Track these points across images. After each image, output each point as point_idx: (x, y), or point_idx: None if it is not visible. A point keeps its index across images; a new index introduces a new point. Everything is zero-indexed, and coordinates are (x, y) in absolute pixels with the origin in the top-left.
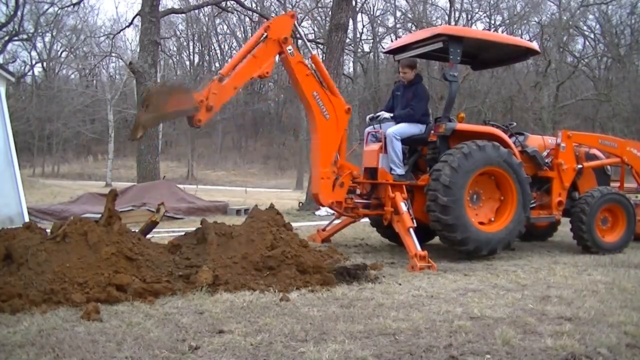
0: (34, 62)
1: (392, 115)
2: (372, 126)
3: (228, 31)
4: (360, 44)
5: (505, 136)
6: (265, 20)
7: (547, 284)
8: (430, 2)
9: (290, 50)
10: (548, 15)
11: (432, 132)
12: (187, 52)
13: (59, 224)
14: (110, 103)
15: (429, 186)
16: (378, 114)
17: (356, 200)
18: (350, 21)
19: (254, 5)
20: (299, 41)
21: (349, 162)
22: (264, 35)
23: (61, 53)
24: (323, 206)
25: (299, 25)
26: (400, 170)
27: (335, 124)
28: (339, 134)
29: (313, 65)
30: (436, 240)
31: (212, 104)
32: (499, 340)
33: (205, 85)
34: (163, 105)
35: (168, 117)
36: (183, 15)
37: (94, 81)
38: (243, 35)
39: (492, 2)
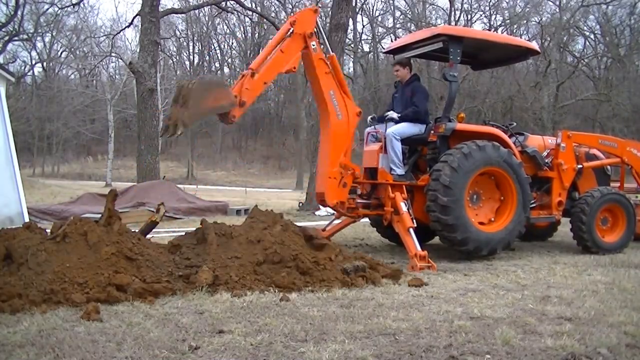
0: (34, 62)
1: (399, 115)
2: (372, 126)
3: (228, 31)
4: (360, 44)
5: (505, 136)
6: (264, 19)
7: (547, 284)
8: (430, 2)
9: (314, 45)
10: (548, 15)
11: (432, 132)
12: (187, 52)
13: (59, 224)
14: (110, 103)
15: (429, 186)
16: (386, 113)
17: (357, 201)
18: (350, 21)
19: (254, 5)
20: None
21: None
22: (290, 30)
23: (61, 53)
24: (326, 206)
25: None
26: (400, 171)
27: (347, 125)
28: (349, 136)
29: (330, 65)
30: (436, 240)
31: (245, 99)
32: (499, 340)
33: (237, 80)
34: (203, 102)
35: (208, 113)
36: (183, 15)
37: (94, 81)
38: (243, 35)
39: (492, 2)
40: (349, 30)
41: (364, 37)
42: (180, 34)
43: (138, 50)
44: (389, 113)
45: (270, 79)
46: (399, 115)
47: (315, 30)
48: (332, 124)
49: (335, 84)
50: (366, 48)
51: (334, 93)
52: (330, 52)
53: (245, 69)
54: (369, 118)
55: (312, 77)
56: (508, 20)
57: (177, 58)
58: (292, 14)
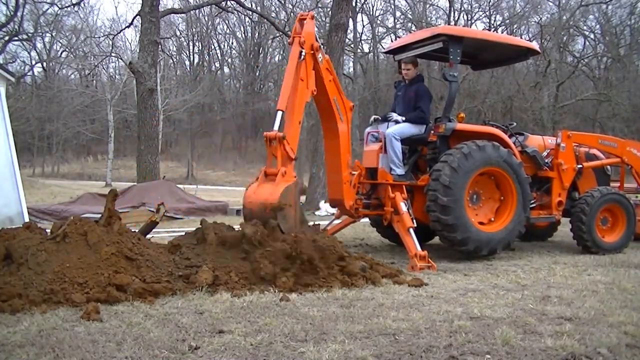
0: (34, 62)
1: (403, 118)
2: (372, 126)
3: (228, 31)
4: (360, 44)
5: (505, 136)
6: (265, 19)
7: (547, 284)
8: (430, 2)
9: (320, 58)
10: (548, 15)
11: (432, 132)
12: (187, 52)
13: (59, 224)
14: (110, 103)
15: (429, 186)
16: (389, 115)
17: (364, 201)
18: (350, 21)
19: (254, 5)
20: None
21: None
22: (302, 53)
23: (61, 53)
24: (339, 208)
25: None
26: (400, 171)
27: (347, 124)
28: (349, 134)
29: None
30: (436, 240)
31: (294, 151)
32: (499, 340)
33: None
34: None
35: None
36: (183, 15)
37: (94, 81)
38: (243, 35)
39: (491, 2)
40: (349, 30)
41: (364, 37)
42: (180, 34)
43: (138, 50)
44: (392, 115)
45: (301, 116)
46: (403, 119)
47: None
48: (339, 130)
49: (337, 89)
50: (366, 48)
51: (337, 99)
52: (325, 54)
53: (245, 69)
54: (372, 118)
55: (318, 87)
56: (508, 20)
57: (177, 58)
58: (292, 13)
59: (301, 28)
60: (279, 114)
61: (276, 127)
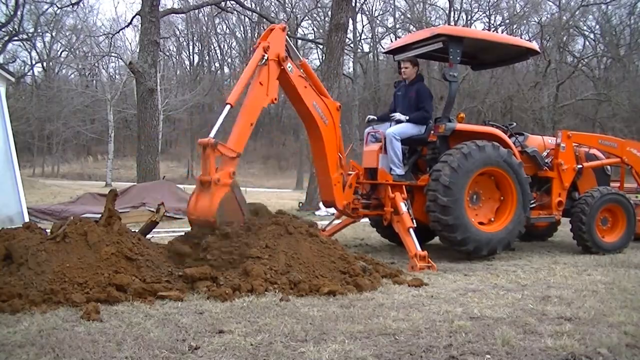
0: (34, 62)
1: (407, 118)
2: (372, 126)
3: (228, 31)
4: (360, 44)
5: (505, 136)
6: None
7: (547, 284)
8: (430, 2)
9: (290, 67)
10: (548, 15)
11: (432, 132)
12: (187, 52)
13: (59, 224)
14: (110, 103)
15: (429, 186)
16: (393, 114)
17: (361, 201)
18: (350, 21)
19: (254, 5)
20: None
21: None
22: (265, 57)
23: (61, 53)
24: (332, 207)
25: (294, 31)
26: (400, 171)
27: (333, 126)
28: (338, 134)
29: (305, 73)
30: (436, 240)
31: (237, 151)
32: (499, 340)
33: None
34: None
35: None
36: (183, 15)
37: (94, 81)
38: (243, 35)
39: (491, 2)
40: (349, 30)
41: (364, 37)
42: (180, 34)
43: (138, 50)
44: (395, 114)
45: (255, 118)
46: (407, 118)
47: (286, 46)
48: (322, 133)
49: (316, 93)
50: (366, 48)
51: (317, 103)
52: (300, 58)
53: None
54: (369, 118)
55: (294, 96)
56: (507, 20)
57: (177, 58)
58: (292, 13)
59: (268, 36)
60: (227, 107)
61: (220, 121)
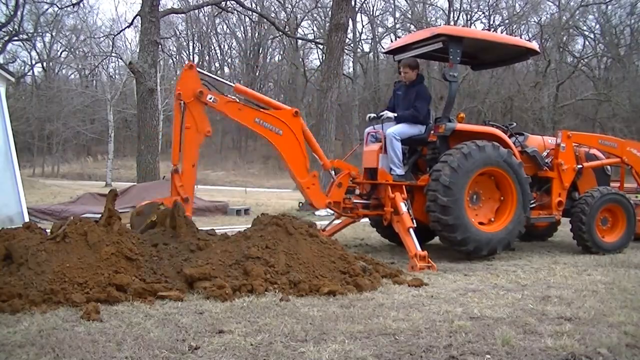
0: (34, 62)
1: (395, 115)
2: (372, 126)
3: (228, 31)
4: (360, 44)
5: (505, 136)
6: (265, 19)
7: (547, 284)
8: (430, 2)
9: (211, 98)
10: (548, 15)
11: (432, 132)
12: (187, 52)
13: (59, 224)
14: (110, 103)
15: (429, 186)
16: (381, 113)
17: (355, 201)
18: (350, 21)
19: (254, 5)
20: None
21: (349, 162)
22: (182, 104)
23: (61, 53)
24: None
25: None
26: (400, 171)
27: (291, 134)
28: (299, 140)
29: (240, 96)
30: (436, 240)
31: (187, 194)
32: (499, 340)
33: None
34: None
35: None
36: (183, 15)
37: (94, 81)
38: (243, 35)
39: (491, 2)
40: (349, 30)
41: (364, 37)
42: (180, 34)
43: (138, 50)
44: (384, 112)
45: (195, 159)
46: (396, 115)
47: (203, 82)
48: (277, 145)
49: (255, 110)
50: (366, 48)
51: (260, 119)
52: (232, 83)
53: (245, 69)
54: (368, 117)
55: (231, 118)
56: (507, 21)
57: (177, 58)
58: (292, 13)
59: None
60: (173, 169)
61: (172, 184)
